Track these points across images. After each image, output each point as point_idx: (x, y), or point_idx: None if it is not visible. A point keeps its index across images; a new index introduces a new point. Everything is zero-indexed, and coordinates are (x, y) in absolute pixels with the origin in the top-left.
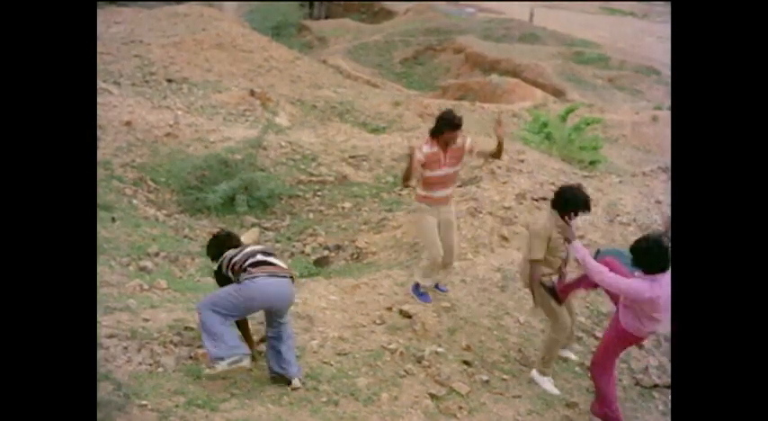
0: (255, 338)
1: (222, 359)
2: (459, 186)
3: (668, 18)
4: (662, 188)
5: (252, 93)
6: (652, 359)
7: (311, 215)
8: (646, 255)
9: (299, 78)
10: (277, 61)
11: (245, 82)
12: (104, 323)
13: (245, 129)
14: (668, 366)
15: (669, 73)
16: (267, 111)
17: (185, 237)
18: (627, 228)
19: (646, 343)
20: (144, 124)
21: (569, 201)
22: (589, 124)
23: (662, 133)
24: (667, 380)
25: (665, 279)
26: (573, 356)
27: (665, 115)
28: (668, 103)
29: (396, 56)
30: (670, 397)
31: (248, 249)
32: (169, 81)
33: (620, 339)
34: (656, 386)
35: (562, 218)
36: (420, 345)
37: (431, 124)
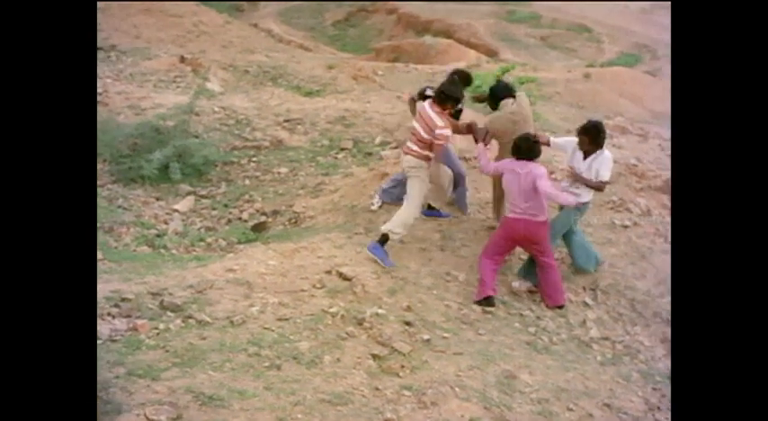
0: None
1: None
2: (395, 148)
3: None
4: None
5: (182, 59)
6: (590, 312)
7: (247, 181)
8: (518, 143)
9: (231, 43)
10: (207, 26)
11: (174, 48)
12: None
13: (176, 95)
14: (605, 318)
15: (600, 30)
16: (198, 77)
17: (119, 207)
18: (560, 184)
19: (585, 298)
20: None
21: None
22: (523, 83)
23: (594, 89)
24: (606, 332)
25: (527, 166)
26: None
27: (598, 72)
28: (600, 59)
29: (328, 18)
30: (610, 350)
31: None
32: (97, 48)
33: (503, 228)
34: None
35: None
36: (361, 308)
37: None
